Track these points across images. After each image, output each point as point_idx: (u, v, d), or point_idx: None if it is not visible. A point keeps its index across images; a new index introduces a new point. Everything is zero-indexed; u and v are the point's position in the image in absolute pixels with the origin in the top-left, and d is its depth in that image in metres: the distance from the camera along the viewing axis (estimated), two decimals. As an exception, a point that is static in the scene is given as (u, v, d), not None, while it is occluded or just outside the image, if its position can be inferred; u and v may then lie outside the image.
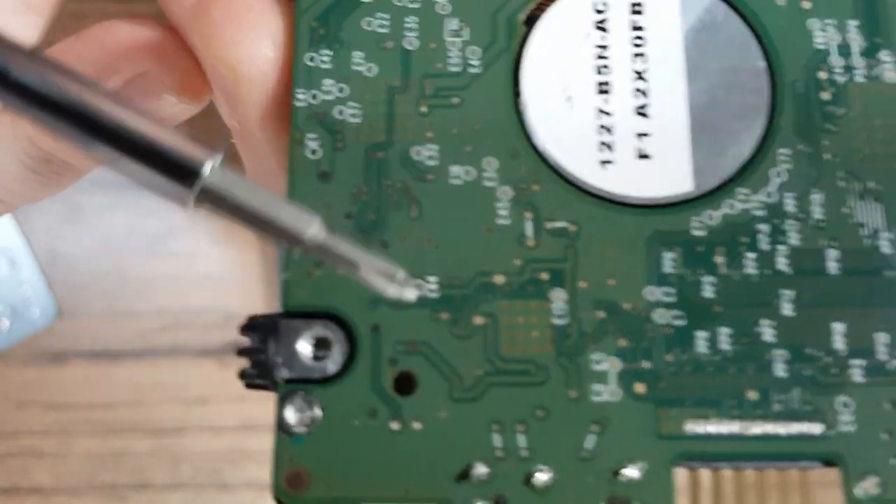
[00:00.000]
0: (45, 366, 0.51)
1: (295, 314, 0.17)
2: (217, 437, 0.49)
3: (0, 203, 0.23)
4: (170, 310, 0.51)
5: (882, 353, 0.17)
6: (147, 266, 0.52)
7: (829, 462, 0.17)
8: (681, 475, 0.17)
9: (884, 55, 0.19)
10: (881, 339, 0.17)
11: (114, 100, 0.15)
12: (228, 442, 0.48)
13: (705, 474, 0.17)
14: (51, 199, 0.53)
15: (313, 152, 0.18)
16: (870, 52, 0.19)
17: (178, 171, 0.14)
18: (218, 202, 0.15)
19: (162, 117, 0.15)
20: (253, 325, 0.17)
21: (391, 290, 0.16)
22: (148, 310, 0.51)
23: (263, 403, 0.50)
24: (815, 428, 0.17)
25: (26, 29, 0.20)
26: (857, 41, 0.19)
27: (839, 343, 0.17)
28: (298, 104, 0.18)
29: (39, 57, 0.15)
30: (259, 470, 0.49)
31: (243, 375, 0.17)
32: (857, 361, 0.17)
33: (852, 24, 0.19)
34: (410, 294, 0.16)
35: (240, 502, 0.49)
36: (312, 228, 0.15)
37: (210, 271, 0.51)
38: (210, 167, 0.14)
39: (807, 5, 0.19)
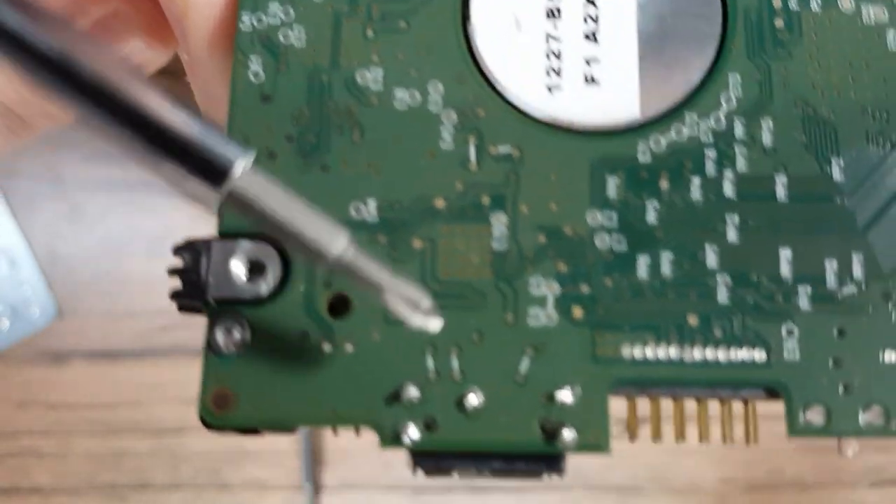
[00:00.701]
0: (45, 366, 0.51)
1: (230, 235, 0.17)
2: (217, 437, 0.49)
3: None
4: (170, 310, 0.51)
5: (831, 281, 0.17)
6: (147, 266, 0.52)
7: (772, 391, 0.16)
8: (619, 403, 0.16)
9: None
10: (830, 266, 0.17)
11: (149, 86, 0.14)
12: (228, 442, 0.48)
13: (644, 403, 0.16)
14: (51, 199, 0.53)
15: (256, 75, 0.18)
16: (827, -19, 0.18)
17: (206, 171, 0.14)
18: (244, 206, 0.14)
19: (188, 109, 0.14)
20: (187, 246, 0.17)
21: (415, 320, 0.15)
22: (148, 310, 0.51)
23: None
24: (758, 355, 0.16)
25: None
26: None
27: (785, 270, 0.17)
28: (243, 27, 0.18)
29: (56, 19, 0.14)
30: (259, 470, 0.49)
31: (174, 296, 0.17)
32: (803, 289, 0.17)
33: None
34: (435, 325, 0.16)
35: (240, 502, 0.49)
36: (339, 244, 0.15)
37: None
38: (240, 169, 0.14)
39: None
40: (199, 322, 0.17)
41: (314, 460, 0.50)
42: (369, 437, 0.16)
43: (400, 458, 0.16)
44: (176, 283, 0.17)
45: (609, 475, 0.48)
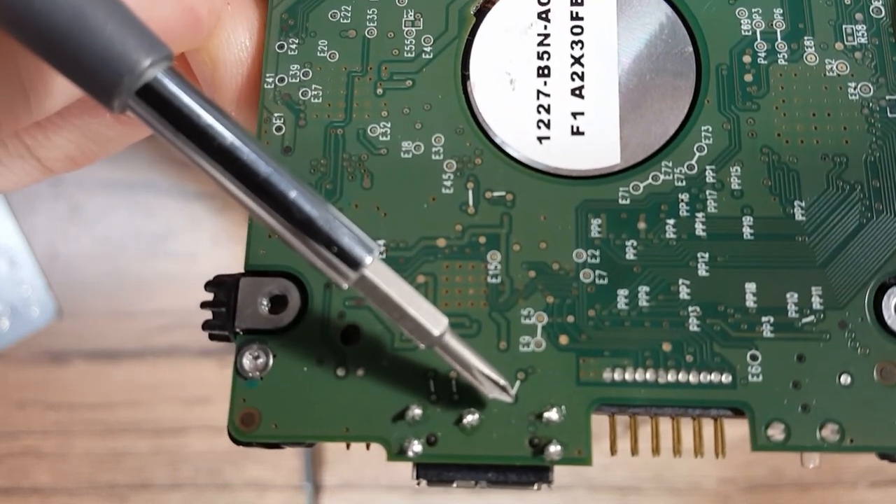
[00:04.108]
0: (45, 366, 0.54)
1: (255, 272, 0.21)
2: (217, 437, 0.52)
3: None
4: (170, 310, 0.54)
5: (792, 311, 0.20)
6: (147, 266, 0.55)
7: (737, 411, 0.20)
8: (600, 420, 0.20)
9: (806, 40, 0.22)
10: (791, 298, 0.20)
11: (304, 186, 0.18)
12: (228, 442, 0.50)
13: (622, 420, 0.20)
14: (51, 199, 0.55)
15: (278, 129, 0.22)
16: (793, 37, 0.22)
17: (345, 260, 0.18)
18: (369, 289, 0.18)
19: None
20: (217, 282, 0.21)
21: (494, 394, 0.19)
22: (148, 310, 0.54)
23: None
24: (725, 378, 0.20)
25: None
26: (781, 27, 0.22)
27: (750, 301, 0.20)
28: (266, 86, 0.22)
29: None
30: (259, 470, 0.52)
31: (206, 326, 0.21)
32: (766, 318, 0.20)
33: (777, 11, 0.22)
34: (507, 398, 0.20)
35: (240, 502, 0.52)
36: (440, 327, 0.19)
37: (210, 271, 0.53)
38: (370, 261, 0.18)
39: None
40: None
41: (314, 460, 0.52)
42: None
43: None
44: (207, 315, 0.21)
45: (609, 475, 0.51)
